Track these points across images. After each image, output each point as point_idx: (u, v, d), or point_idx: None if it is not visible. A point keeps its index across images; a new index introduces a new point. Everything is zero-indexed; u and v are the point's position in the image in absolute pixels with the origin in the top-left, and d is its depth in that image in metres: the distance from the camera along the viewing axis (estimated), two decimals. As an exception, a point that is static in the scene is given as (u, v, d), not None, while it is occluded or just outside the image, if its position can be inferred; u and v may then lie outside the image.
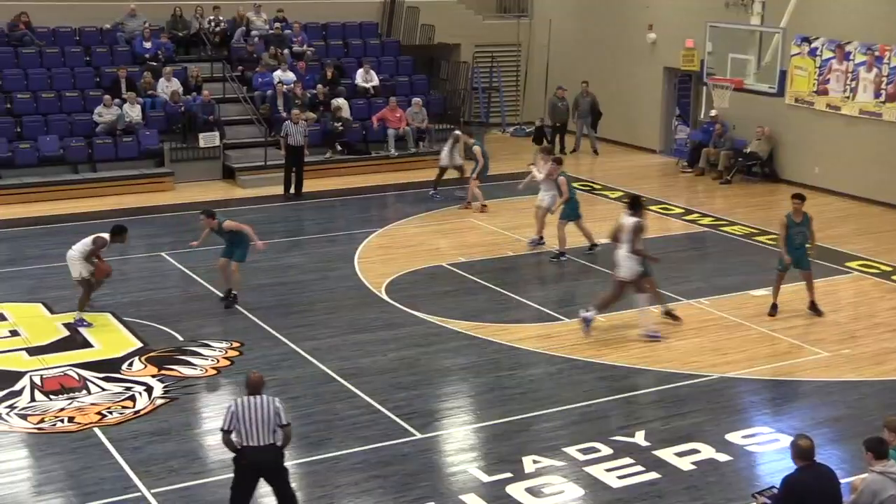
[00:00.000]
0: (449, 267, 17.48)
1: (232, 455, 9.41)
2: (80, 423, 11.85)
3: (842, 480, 9.00)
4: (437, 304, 15.89)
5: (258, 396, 9.29)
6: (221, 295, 15.78)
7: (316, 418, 12.07)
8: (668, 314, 15.07)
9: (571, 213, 18.06)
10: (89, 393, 12.67)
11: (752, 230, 19.60)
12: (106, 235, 15.05)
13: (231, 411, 9.22)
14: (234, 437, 9.28)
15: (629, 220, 14.46)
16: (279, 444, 9.34)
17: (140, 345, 14.16)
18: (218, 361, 13.66)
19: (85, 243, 14.95)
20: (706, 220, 20.48)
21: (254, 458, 9.21)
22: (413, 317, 15.37)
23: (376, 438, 11.55)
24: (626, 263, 14.40)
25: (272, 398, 9.40)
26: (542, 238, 18.59)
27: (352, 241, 18.93)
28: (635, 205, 14.66)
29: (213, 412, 12.37)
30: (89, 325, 14.79)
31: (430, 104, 26.19)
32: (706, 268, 17.93)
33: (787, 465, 8.67)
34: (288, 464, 10.98)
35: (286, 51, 26.04)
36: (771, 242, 16.98)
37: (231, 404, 9.30)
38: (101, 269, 15.03)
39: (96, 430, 11.71)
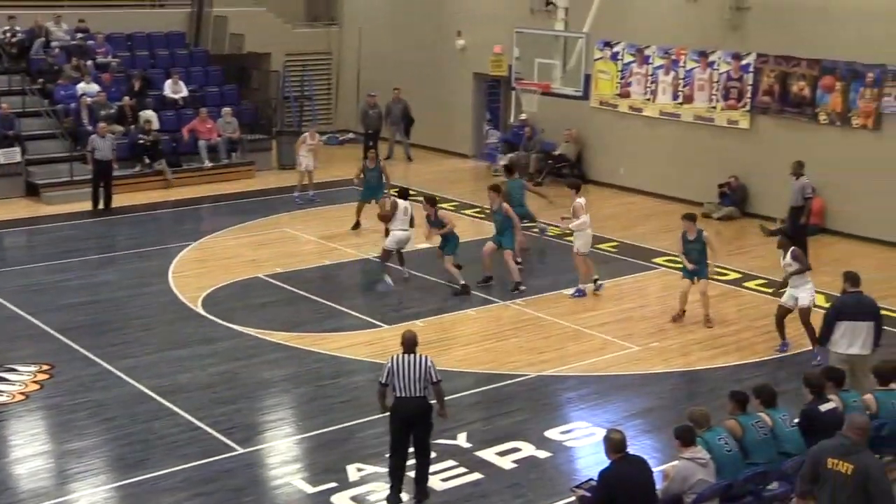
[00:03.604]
0: (266, 278, 17.31)
1: (386, 412, 10.40)
2: None
3: (655, 469, 9.37)
4: (256, 316, 15.71)
5: (412, 354, 10.30)
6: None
7: (133, 438, 11.76)
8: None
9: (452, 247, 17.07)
10: None
11: (565, 231, 20.07)
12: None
13: (388, 367, 10.26)
14: (389, 391, 10.26)
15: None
16: (429, 398, 10.28)
17: (-59, 372, 13.50)
18: (27, 386, 13.14)
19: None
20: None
21: (405, 408, 10.21)
22: (231, 330, 15.15)
23: (197, 456, 11.34)
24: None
25: (426, 356, 10.32)
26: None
27: (166, 256, 18.50)
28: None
29: (23, 439, 11.90)
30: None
31: (242, 114, 25.87)
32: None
33: (604, 458, 8.95)
34: (104, 487, 10.75)
35: (89, 62, 25.25)
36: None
37: (388, 360, 10.31)
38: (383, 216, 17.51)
39: None
